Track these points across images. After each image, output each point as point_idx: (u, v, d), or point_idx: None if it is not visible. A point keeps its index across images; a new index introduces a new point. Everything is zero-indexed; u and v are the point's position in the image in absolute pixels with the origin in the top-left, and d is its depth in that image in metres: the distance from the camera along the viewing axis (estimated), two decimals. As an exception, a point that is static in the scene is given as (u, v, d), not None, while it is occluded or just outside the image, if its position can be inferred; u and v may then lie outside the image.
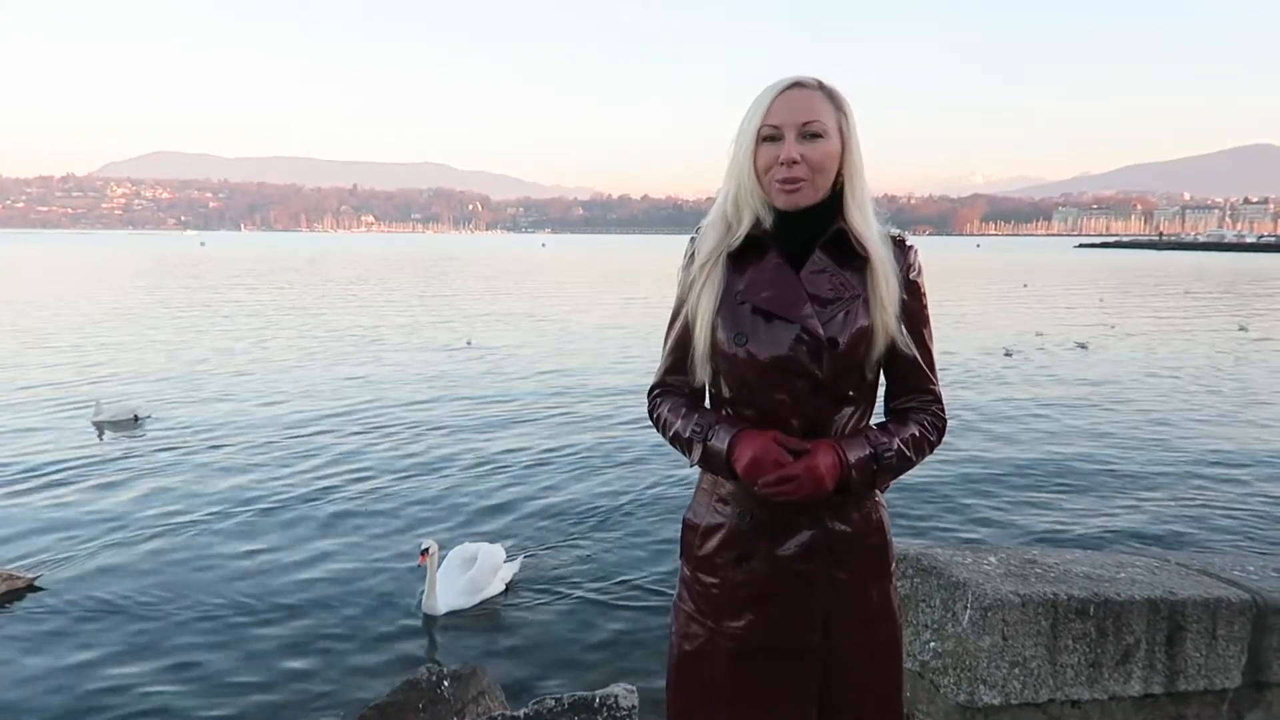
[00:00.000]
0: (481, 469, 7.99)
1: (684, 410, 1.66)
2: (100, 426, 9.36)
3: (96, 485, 7.36)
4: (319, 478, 7.64)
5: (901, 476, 1.62)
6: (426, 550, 5.01)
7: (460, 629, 4.99)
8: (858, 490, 1.55)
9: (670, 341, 1.71)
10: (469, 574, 5.20)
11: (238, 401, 10.90)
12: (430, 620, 5.03)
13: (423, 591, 5.14)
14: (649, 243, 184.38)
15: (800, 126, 1.51)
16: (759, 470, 1.48)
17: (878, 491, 1.65)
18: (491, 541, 5.69)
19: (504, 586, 5.39)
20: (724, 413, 1.64)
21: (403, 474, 7.80)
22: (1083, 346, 16.84)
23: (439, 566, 5.16)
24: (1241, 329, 20.66)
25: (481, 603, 5.20)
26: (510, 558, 5.65)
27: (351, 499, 7.08)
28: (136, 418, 9.67)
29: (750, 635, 1.60)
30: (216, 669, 4.44)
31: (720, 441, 1.55)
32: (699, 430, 1.60)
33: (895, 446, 1.56)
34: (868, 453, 1.53)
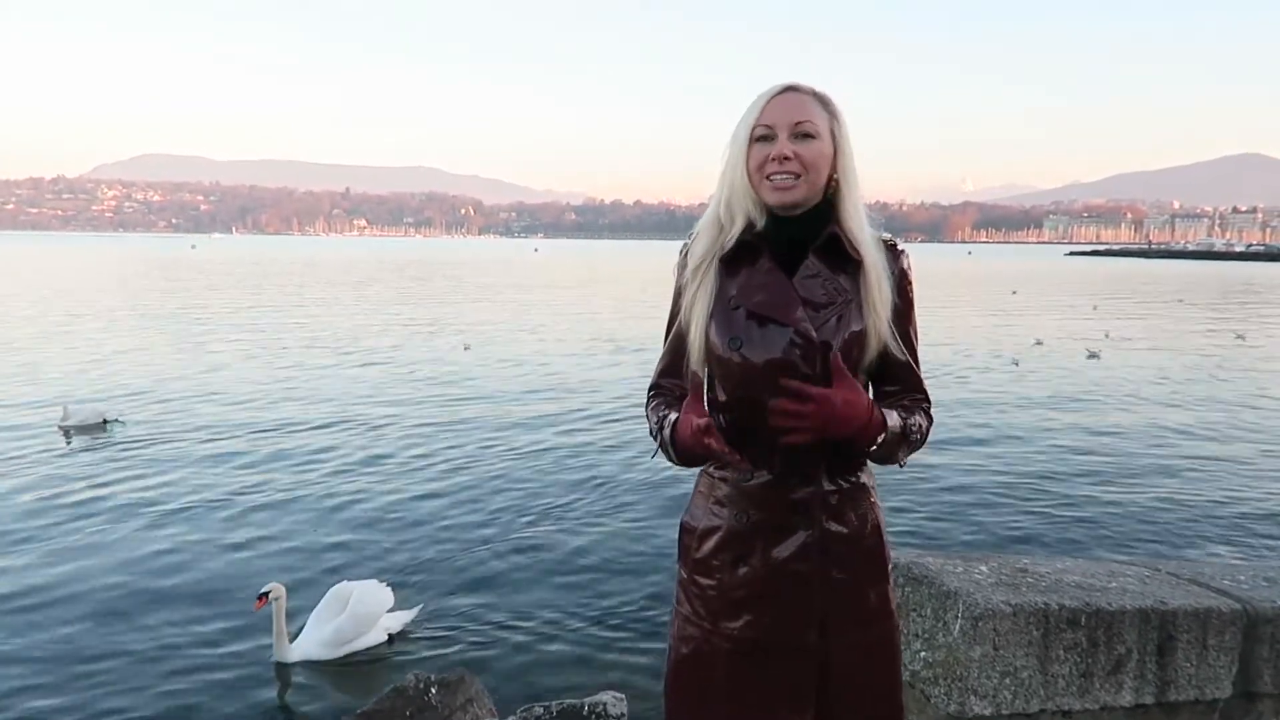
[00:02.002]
0: (463, 475, 7.95)
1: (662, 410, 1.69)
2: (67, 431, 9.17)
3: (37, 495, 7.14)
4: (269, 493, 7.28)
5: (888, 480, 1.63)
6: (265, 595, 4.43)
7: (316, 682, 4.41)
8: (880, 455, 1.57)
9: (666, 344, 1.75)
10: (336, 621, 4.54)
11: (211, 410, 10.61)
12: (283, 670, 4.44)
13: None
14: (643, 248, 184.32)
15: (793, 126, 1.54)
16: (690, 431, 1.50)
17: (873, 492, 1.67)
18: (397, 573, 5.29)
19: (386, 636, 4.72)
20: (719, 417, 1.65)
21: (368, 487, 7.48)
22: (1094, 356, 16.61)
23: (317, 605, 4.65)
24: (1239, 338, 20.71)
25: (351, 654, 4.56)
26: (406, 604, 5.00)
27: (302, 516, 6.73)
28: (105, 422, 9.48)
29: (748, 636, 1.61)
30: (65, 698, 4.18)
31: (668, 430, 1.62)
32: (657, 425, 1.67)
33: (918, 425, 1.61)
34: (899, 421, 1.56)
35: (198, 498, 7.11)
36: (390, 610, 4.78)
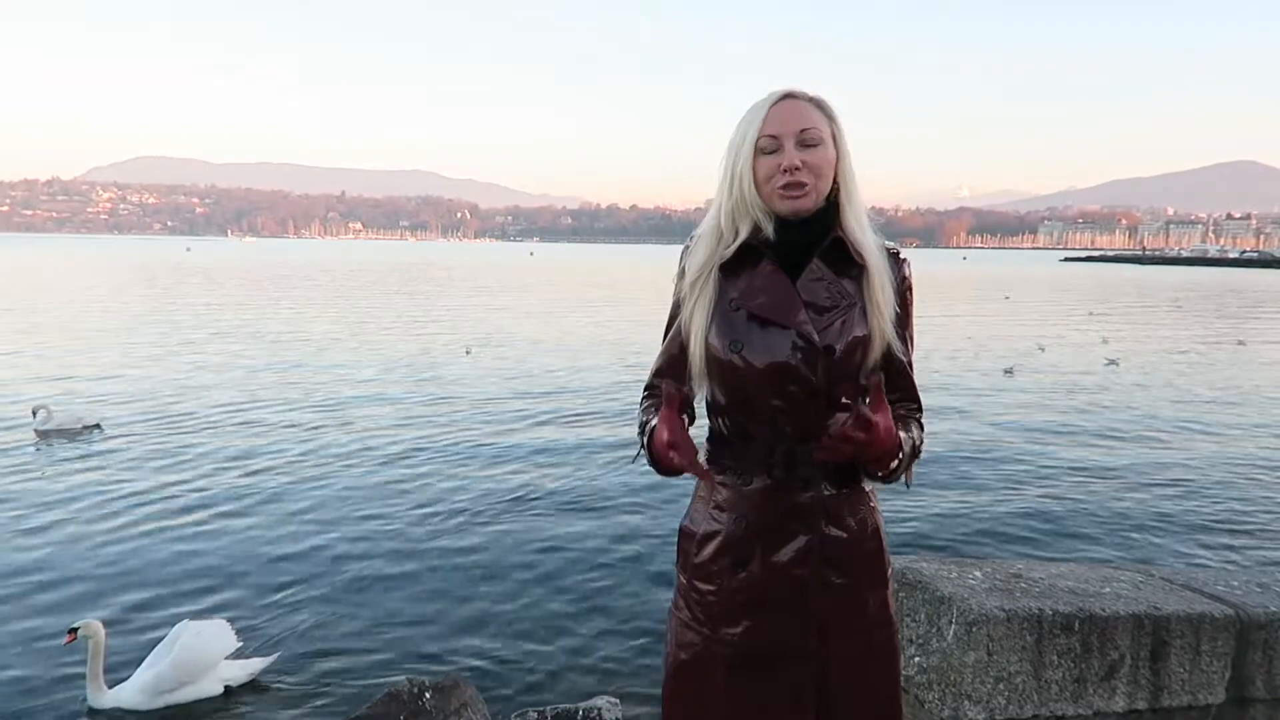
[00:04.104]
0: (455, 477, 7.93)
1: (649, 414, 1.69)
2: (44, 435, 8.93)
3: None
4: (221, 508, 6.89)
5: (882, 486, 1.64)
6: (75, 630, 4.01)
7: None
8: (891, 478, 1.57)
9: (664, 346, 1.75)
10: (158, 666, 4.02)
11: (193, 415, 10.34)
12: (95, 718, 3.94)
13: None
14: (638, 253, 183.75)
15: (798, 135, 1.54)
16: (663, 450, 1.48)
17: (873, 497, 1.67)
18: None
19: (222, 688, 4.14)
20: (719, 421, 1.66)
21: (340, 499, 7.16)
22: (1113, 363, 16.44)
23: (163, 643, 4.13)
24: (1239, 344, 20.70)
25: (174, 707, 4.01)
26: (257, 650, 4.46)
27: (265, 531, 6.42)
28: (84, 427, 9.27)
29: (747, 641, 1.60)
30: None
31: (646, 437, 1.61)
32: (639, 429, 1.67)
33: (917, 444, 1.61)
34: (911, 443, 1.57)
35: (143, 510, 6.82)
36: (232, 656, 4.25)
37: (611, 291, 40.69)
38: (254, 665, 4.28)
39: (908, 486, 1.63)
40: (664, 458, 1.49)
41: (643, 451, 1.64)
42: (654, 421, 1.59)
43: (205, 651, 4.09)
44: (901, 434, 1.52)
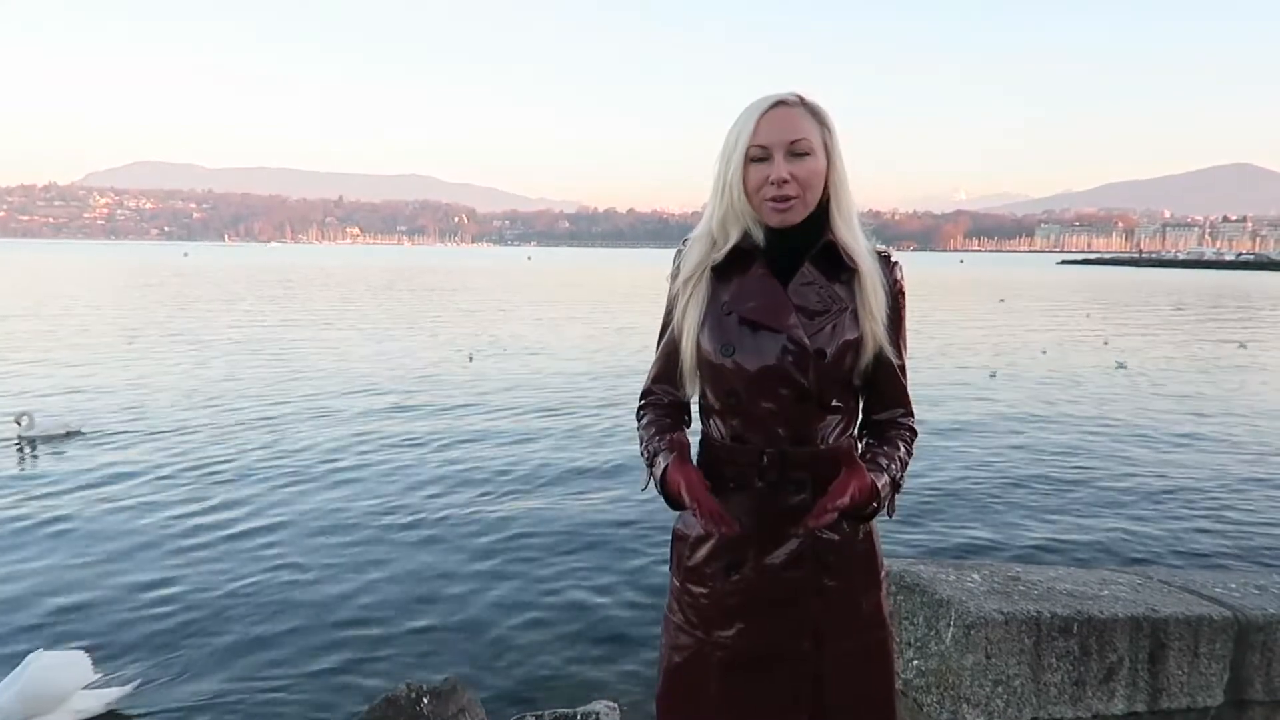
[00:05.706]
0: (450, 478, 7.93)
1: (653, 430, 1.71)
2: (27, 441, 8.84)
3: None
4: (194, 521, 6.68)
5: None
6: None
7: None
8: (870, 517, 1.60)
9: (659, 351, 1.75)
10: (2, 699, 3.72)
11: (190, 422, 10.18)
12: None
13: None
14: (636, 256, 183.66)
15: (788, 146, 1.53)
16: (685, 495, 1.56)
17: None
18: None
19: None
20: (711, 423, 1.67)
21: (325, 512, 6.92)
22: (1122, 365, 16.43)
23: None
24: (1240, 346, 20.71)
25: None
26: (118, 679, 4.13)
27: (249, 539, 6.28)
28: (67, 432, 9.19)
29: (740, 644, 1.60)
30: None
31: (658, 469, 1.63)
32: (648, 458, 1.68)
33: (901, 462, 1.63)
34: (888, 481, 1.59)
35: (107, 522, 6.62)
36: (90, 686, 3.94)
37: (611, 295, 40.69)
38: (109, 695, 3.99)
39: (890, 516, 1.63)
40: (689, 508, 1.57)
41: (657, 485, 1.65)
42: (663, 459, 1.62)
43: (57, 684, 3.82)
44: (878, 480, 1.55)
